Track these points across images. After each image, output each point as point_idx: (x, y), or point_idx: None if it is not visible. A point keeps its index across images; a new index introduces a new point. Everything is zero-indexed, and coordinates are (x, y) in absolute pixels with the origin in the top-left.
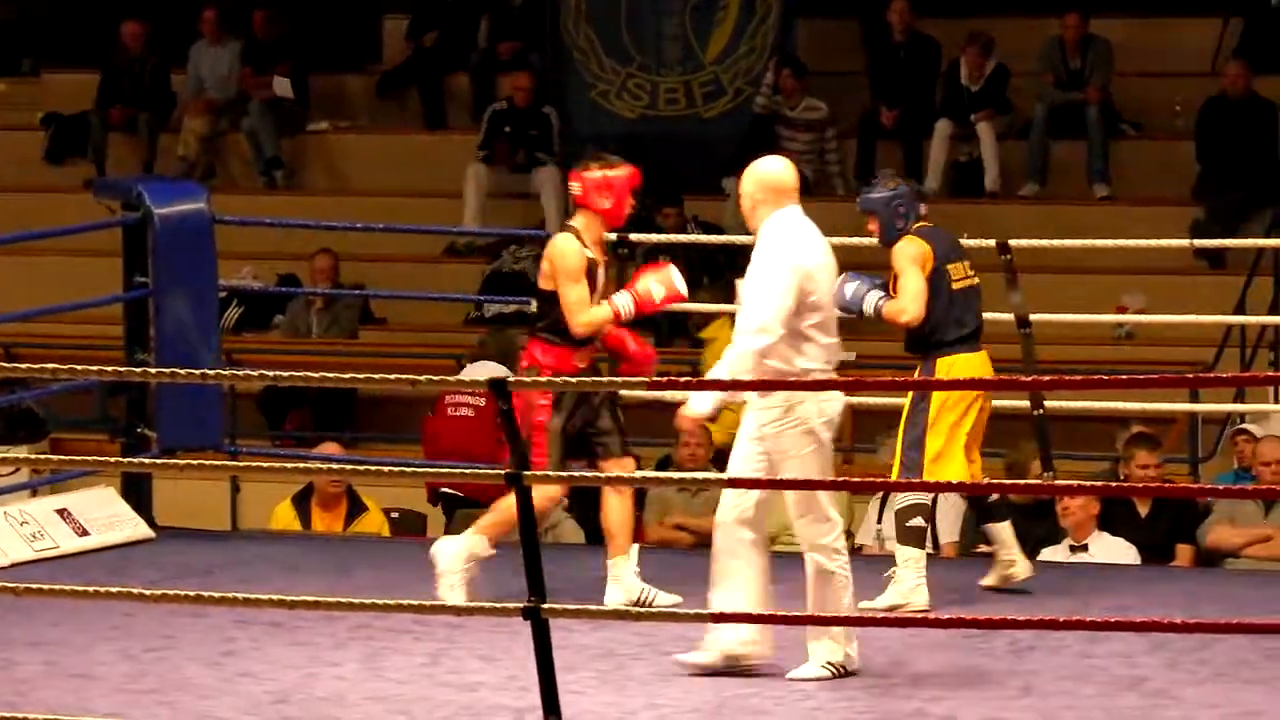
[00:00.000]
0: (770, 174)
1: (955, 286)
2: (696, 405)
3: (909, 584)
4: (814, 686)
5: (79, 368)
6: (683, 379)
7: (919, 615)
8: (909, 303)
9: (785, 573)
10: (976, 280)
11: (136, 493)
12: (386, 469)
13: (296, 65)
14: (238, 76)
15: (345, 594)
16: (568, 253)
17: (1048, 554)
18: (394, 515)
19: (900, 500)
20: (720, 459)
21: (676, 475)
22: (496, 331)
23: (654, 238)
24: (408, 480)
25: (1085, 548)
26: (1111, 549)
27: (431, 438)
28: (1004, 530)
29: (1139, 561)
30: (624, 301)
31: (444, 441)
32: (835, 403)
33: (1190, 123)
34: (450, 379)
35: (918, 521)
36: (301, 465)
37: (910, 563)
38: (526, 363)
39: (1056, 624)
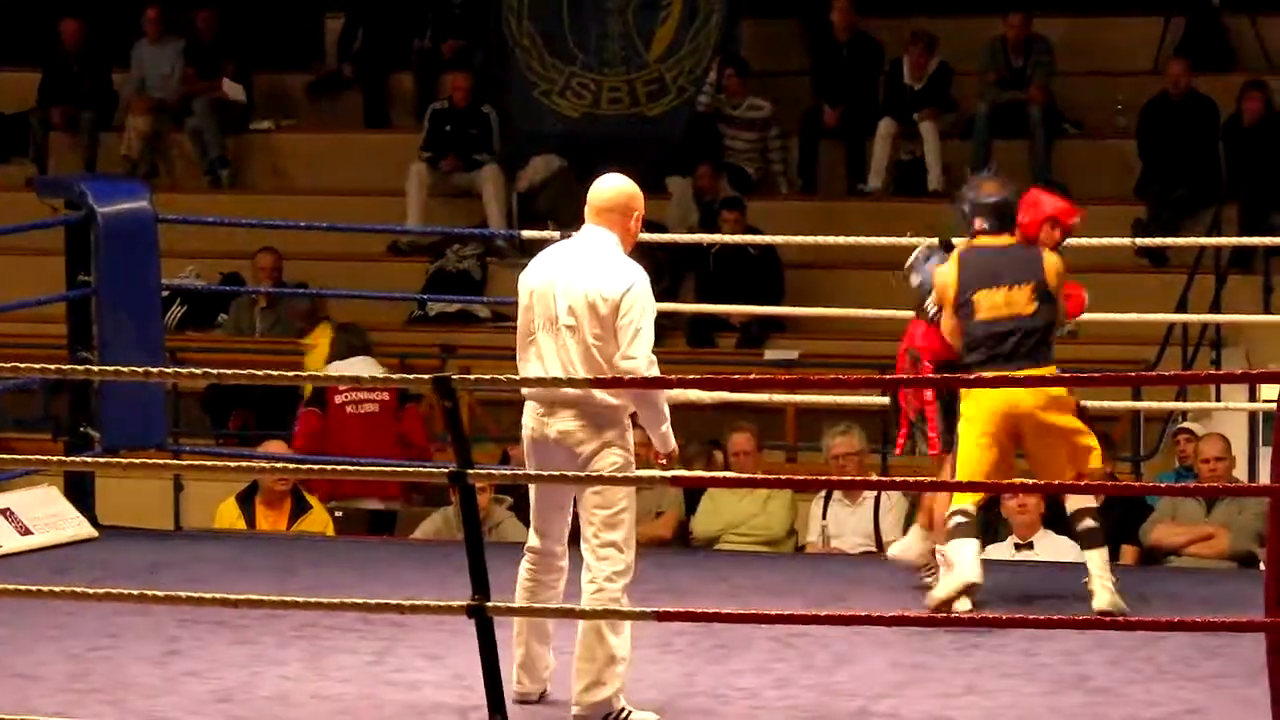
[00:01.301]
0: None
1: (979, 317)
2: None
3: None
4: (757, 685)
5: (22, 366)
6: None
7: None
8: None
9: (725, 572)
10: (1015, 309)
11: (80, 492)
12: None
13: (240, 64)
14: (180, 75)
15: (289, 593)
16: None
17: (992, 551)
18: (338, 514)
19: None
20: None
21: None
22: (349, 328)
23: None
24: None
25: (1030, 545)
26: (1056, 548)
27: (317, 435)
28: (1093, 559)
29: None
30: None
31: (337, 439)
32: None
33: (1132, 122)
34: (394, 376)
35: (1088, 523)
36: (245, 464)
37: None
38: (906, 344)
39: (1001, 621)
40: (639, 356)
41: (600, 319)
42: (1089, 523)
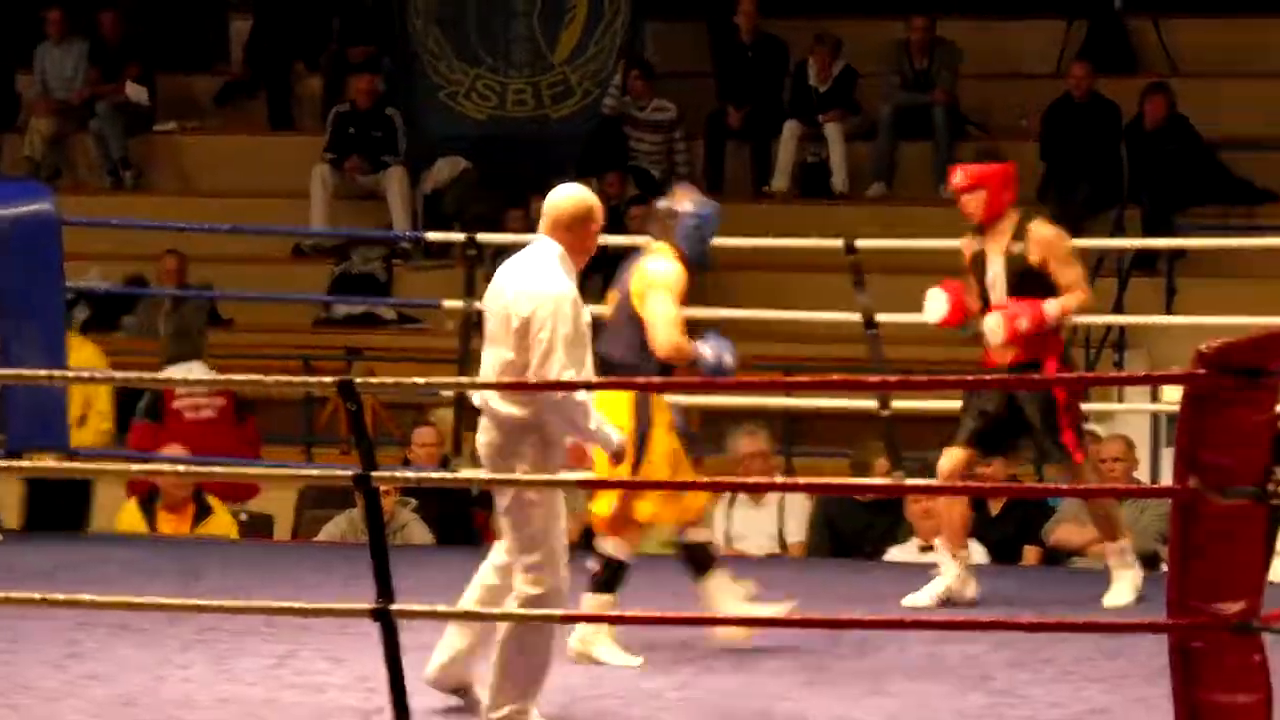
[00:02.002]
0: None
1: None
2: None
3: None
4: (661, 687)
5: None
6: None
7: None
8: None
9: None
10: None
11: None
12: (234, 470)
13: (144, 66)
14: (84, 77)
15: (193, 595)
16: None
17: (895, 553)
18: (243, 517)
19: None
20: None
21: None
22: (182, 333)
23: (503, 238)
24: (255, 481)
25: (933, 547)
26: None
27: (151, 443)
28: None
29: (986, 561)
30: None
31: (176, 446)
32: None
33: (1035, 124)
34: (295, 379)
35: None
36: (146, 467)
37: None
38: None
39: (904, 623)
40: (549, 376)
41: (514, 333)
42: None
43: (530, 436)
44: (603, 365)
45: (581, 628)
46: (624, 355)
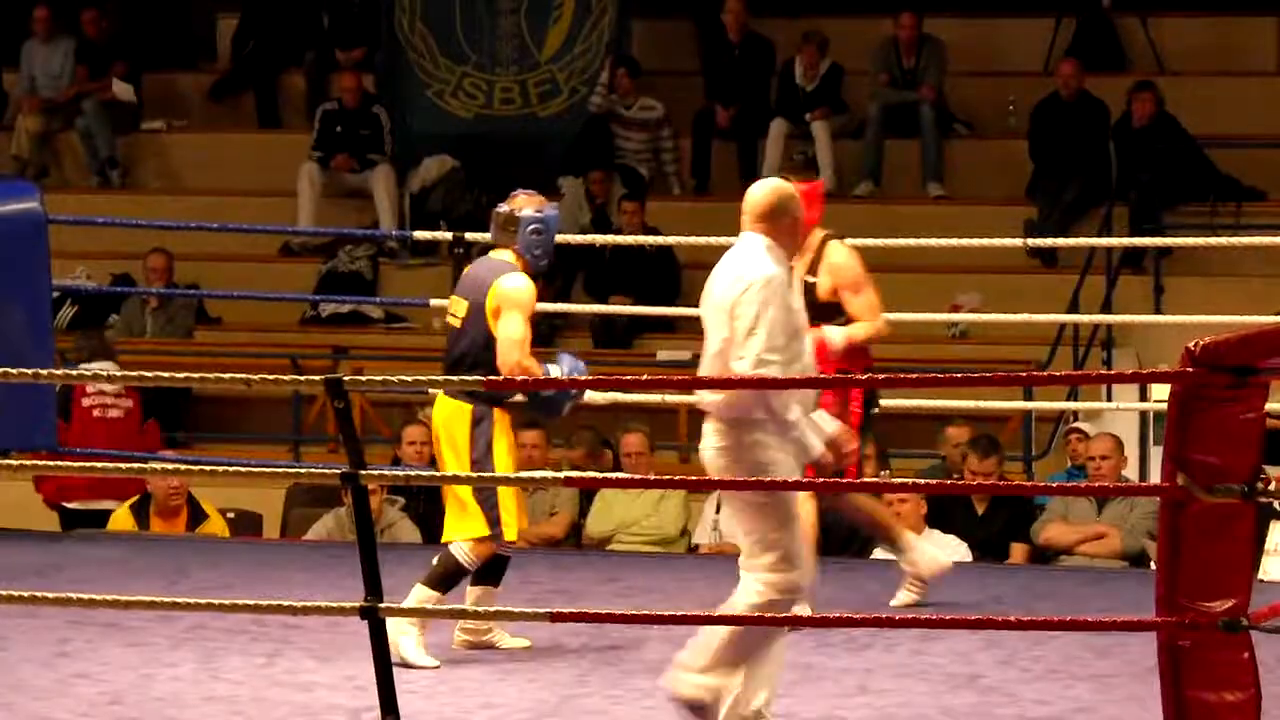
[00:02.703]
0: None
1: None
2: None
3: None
4: (650, 685)
5: None
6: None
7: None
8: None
9: (617, 572)
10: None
11: None
12: (222, 469)
13: (131, 64)
14: (71, 75)
15: (181, 594)
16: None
17: (880, 553)
18: (230, 515)
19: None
20: None
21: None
22: (90, 334)
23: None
24: (243, 480)
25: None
26: (941, 546)
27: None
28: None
29: (970, 558)
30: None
31: (81, 443)
32: None
33: (1023, 122)
34: (283, 378)
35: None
36: (136, 465)
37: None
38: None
39: (892, 621)
40: (747, 356)
41: (723, 322)
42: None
43: (744, 431)
44: (447, 367)
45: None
46: (471, 366)
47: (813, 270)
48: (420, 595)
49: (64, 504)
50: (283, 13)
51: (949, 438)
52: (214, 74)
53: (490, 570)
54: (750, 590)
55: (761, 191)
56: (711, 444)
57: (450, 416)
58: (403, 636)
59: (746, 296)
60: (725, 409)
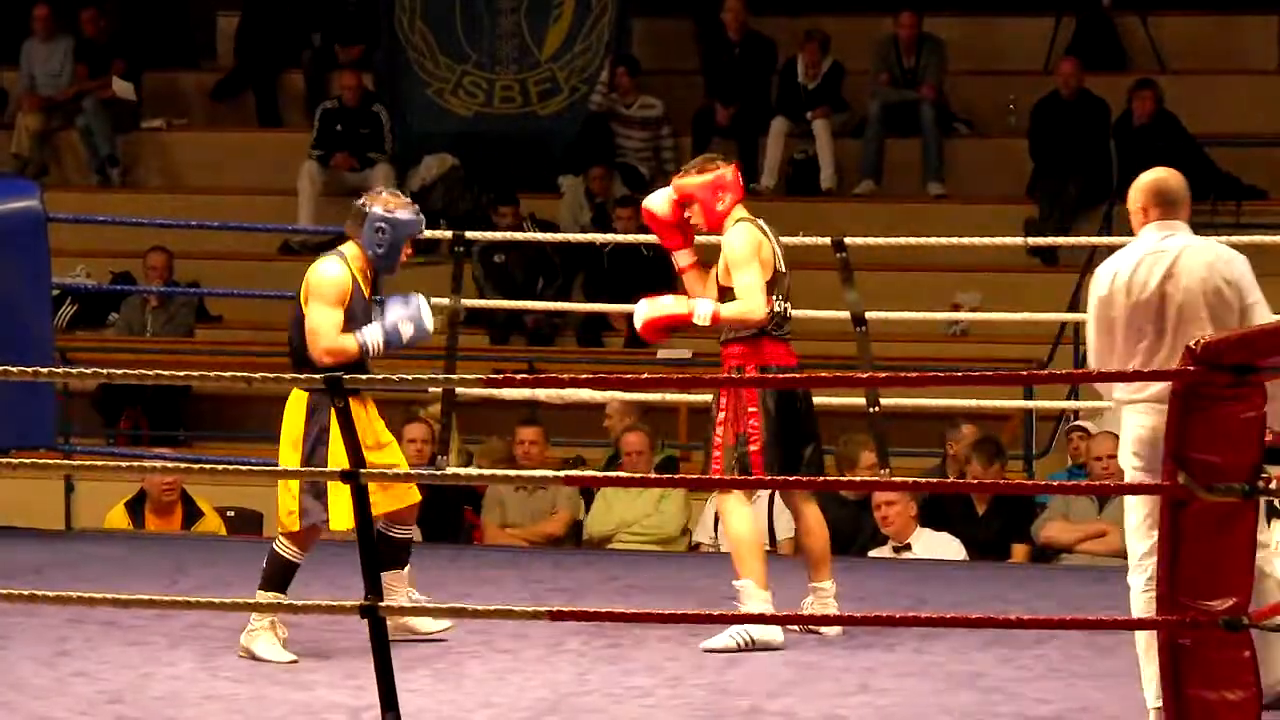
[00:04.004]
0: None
1: None
2: None
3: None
4: (650, 684)
5: None
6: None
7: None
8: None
9: (618, 571)
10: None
11: None
12: (222, 467)
13: (131, 62)
14: (70, 73)
15: (181, 593)
16: None
17: (873, 554)
18: (229, 514)
19: None
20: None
21: (514, 473)
22: None
23: (490, 236)
24: (243, 478)
25: (908, 547)
26: (935, 545)
27: None
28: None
29: (964, 555)
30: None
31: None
32: None
33: (1023, 121)
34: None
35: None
36: (136, 464)
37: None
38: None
39: (893, 620)
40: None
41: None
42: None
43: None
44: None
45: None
46: (299, 348)
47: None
48: (259, 597)
49: None
50: (283, 11)
51: (963, 435)
52: (215, 72)
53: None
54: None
55: (1174, 179)
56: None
57: (290, 407)
58: (253, 636)
59: (1248, 271)
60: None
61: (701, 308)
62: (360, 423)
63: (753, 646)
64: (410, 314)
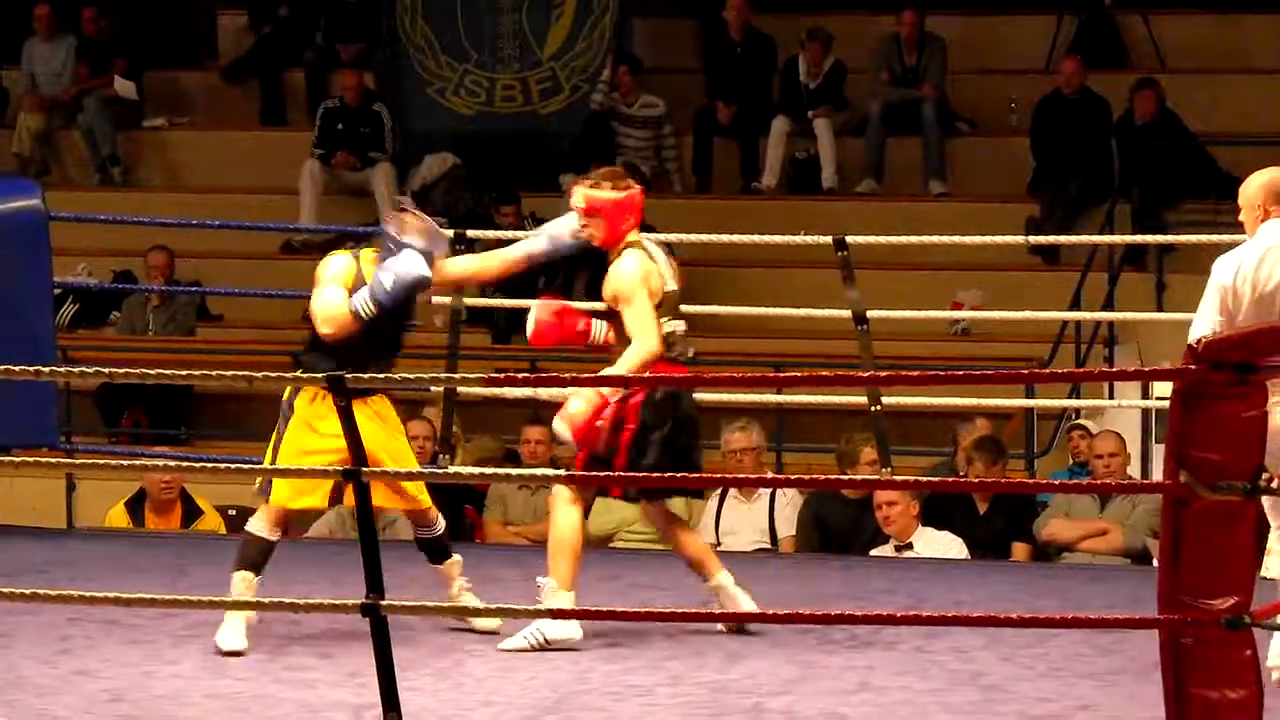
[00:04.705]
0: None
1: None
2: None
3: None
4: (651, 683)
5: None
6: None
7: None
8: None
9: (618, 570)
10: None
11: None
12: (224, 466)
13: (132, 61)
14: (72, 72)
15: (183, 591)
16: None
17: (874, 553)
18: (231, 512)
19: None
20: None
21: (515, 471)
22: None
23: (492, 234)
24: (245, 477)
25: (910, 546)
26: (937, 544)
27: None
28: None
29: (965, 554)
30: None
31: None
32: None
33: (1025, 119)
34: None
35: None
36: (138, 463)
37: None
38: None
39: (894, 619)
40: None
41: None
42: None
43: None
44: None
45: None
46: (308, 339)
47: None
48: (234, 579)
49: None
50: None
51: (976, 429)
52: (216, 70)
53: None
54: None
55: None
56: None
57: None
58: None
59: None
60: None
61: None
62: (371, 421)
63: (547, 646)
64: (384, 268)
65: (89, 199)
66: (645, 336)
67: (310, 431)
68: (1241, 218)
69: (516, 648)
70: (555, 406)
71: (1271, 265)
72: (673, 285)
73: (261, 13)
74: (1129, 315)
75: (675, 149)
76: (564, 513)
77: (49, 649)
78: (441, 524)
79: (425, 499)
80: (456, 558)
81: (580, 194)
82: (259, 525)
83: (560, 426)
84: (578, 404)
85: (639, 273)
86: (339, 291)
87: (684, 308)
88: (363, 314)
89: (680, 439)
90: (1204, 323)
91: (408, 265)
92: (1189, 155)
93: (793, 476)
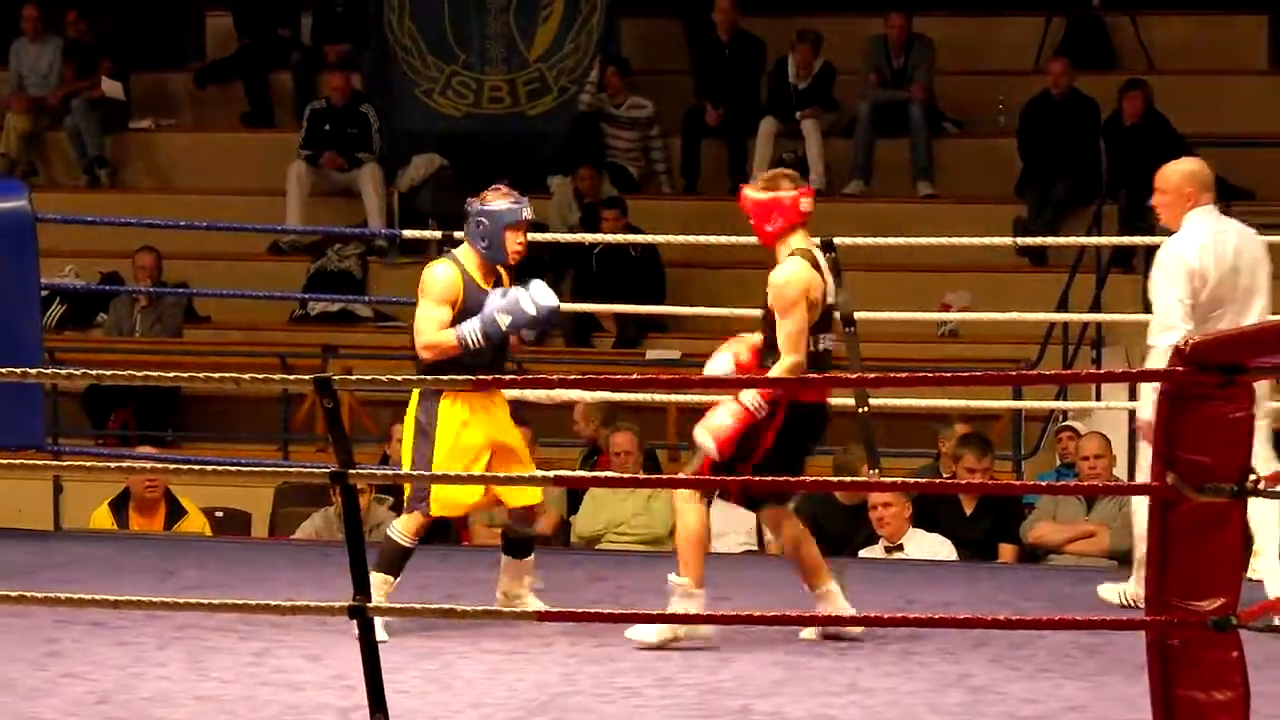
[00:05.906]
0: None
1: None
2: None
3: None
4: (640, 684)
5: None
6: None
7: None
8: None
9: (607, 571)
10: None
11: None
12: (210, 468)
13: (119, 63)
14: (59, 74)
15: (170, 593)
16: None
17: (864, 554)
18: (218, 514)
19: None
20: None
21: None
22: None
23: None
24: (232, 479)
25: (900, 547)
26: (927, 546)
27: None
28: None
29: (955, 556)
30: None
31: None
32: None
33: (1013, 121)
34: (272, 376)
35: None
36: (124, 464)
37: None
38: None
39: (881, 620)
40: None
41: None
42: None
43: None
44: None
45: None
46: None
47: None
48: (373, 580)
49: None
50: (273, 10)
51: (955, 433)
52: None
53: (394, 560)
54: None
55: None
56: None
57: (409, 407)
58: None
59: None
60: None
61: (748, 399)
62: (491, 422)
63: (676, 641)
64: (506, 304)
65: (76, 200)
66: (792, 353)
67: (461, 429)
68: (1162, 204)
69: (645, 641)
70: (540, 408)
71: (1223, 247)
72: (832, 298)
73: (248, 16)
74: (1116, 317)
75: (663, 150)
76: (689, 512)
77: (36, 651)
78: (541, 524)
79: (540, 495)
80: (532, 558)
81: (743, 195)
82: (400, 533)
83: (703, 437)
84: (724, 417)
85: (797, 283)
86: (444, 313)
87: (678, 310)
88: (470, 344)
89: (799, 453)
90: (1172, 303)
91: (523, 305)
92: (1176, 156)
93: (792, 479)
